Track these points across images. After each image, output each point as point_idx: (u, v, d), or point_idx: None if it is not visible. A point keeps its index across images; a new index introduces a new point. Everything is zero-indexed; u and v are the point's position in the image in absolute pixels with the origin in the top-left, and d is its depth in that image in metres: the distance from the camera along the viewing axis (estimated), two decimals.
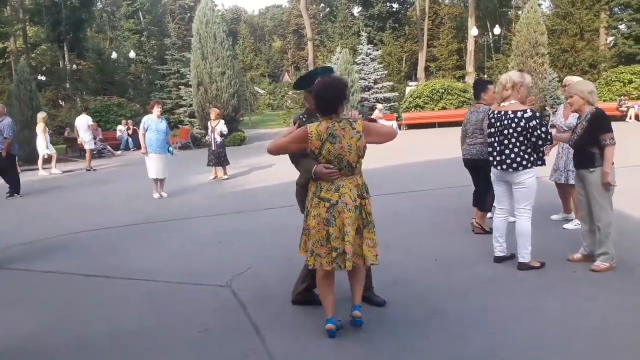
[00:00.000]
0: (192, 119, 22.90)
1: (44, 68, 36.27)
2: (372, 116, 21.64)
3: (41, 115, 15.11)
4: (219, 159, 11.30)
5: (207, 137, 11.89)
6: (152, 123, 9.39)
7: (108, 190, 10.94)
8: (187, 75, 23.70)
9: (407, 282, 4.48)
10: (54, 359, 3.49)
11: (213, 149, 11.26)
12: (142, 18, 43.20)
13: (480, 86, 5.94)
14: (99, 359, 3.43)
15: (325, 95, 3.34)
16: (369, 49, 26.81)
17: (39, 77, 32.26)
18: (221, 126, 11.34)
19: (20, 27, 33.33)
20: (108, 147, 19.59)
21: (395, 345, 3.36)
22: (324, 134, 3.32)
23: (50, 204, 9.86)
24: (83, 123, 15.95)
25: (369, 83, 24.98)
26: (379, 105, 22.52)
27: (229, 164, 11.63)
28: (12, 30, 31.06)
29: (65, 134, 21.67)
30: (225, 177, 11.45)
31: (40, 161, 15.01)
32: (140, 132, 9.55)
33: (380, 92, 25.06)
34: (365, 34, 30.30)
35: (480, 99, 5.82)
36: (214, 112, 11.67)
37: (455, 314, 3.78)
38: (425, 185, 9.18)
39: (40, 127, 14.61)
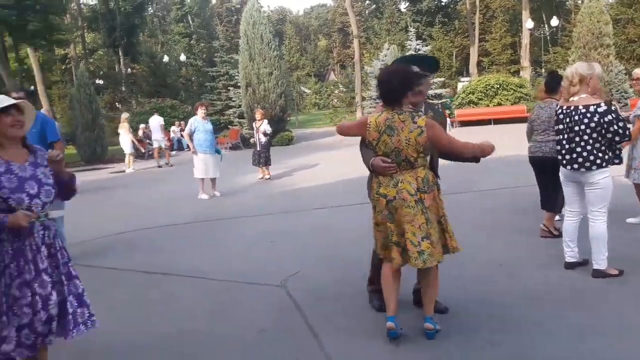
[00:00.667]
0: (241, 120, 23.21)
1: (101, 72, 37.77)
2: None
3: (124, 116, 16.52)
4: (263, 159, 11.49)
5: (252, 138, 12.01)
6: (199, 124, 9.55)
7: (163, 190, 11.21)
8: (236, 77, 24.05)
9: (471, 287, 4.28)
10: (114, 355, 3.54)
11: (258, 149, 11.50)
12: (191, 22, 44.20)
13: (555, 80, 5.46)
14: (154, 355, 3.46)
15: (387, 83, 3.21)
16: (417, 44, 26.40)
17: (97, 81, 33.56)
18: (265, 126, 11.51)
19: (79, 34, 34.81)
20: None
21: (459, 353, 3.22)
22: (382, 125, 3.20)
23: (109, 202, 10.17)
24: (156, 123, 16.85)
25: None
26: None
27: (270, 164, 11.74)
28: (72, 37, 32.42)
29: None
30: (268, 176, 11.58)
31: (127, 160, 16.00)
32: (186, 133, 9.83)
33: (431, 89, 24.58)
34: (414, 29, 29.87)
35: (555, 94, 5.43)
36: (258, 112, 11.95)
37: (525, 322, 3.54)
38: (477, 185, 8.83)
39: (124, 127, 15.74)
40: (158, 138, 16.92)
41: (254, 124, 11.99)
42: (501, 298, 4.00)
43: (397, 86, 3.16)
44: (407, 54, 25.74)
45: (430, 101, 3.50)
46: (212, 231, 7.06)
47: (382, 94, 3.28)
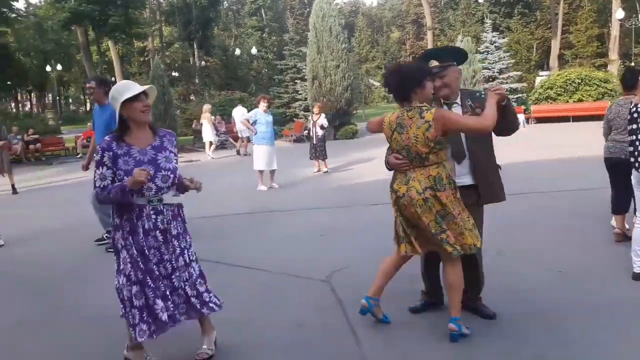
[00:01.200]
0: (307, 113, 23.30)
1: (176, 65, 39.23)
2: None
3: (207, 107, 17.70)
4: (319, 153, 11.50)
5: (307, 131, 12.05)
6: (261, 117, 9.61)
7: (223, 180, 11.42)
8: (303, 70, 24.18)
9: (523, 293, 4.01)
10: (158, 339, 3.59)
11: (314, 142, 11.50)
12: (264, 15, 44.94)
13: (634, 76, 4.98)
14: (196, 338, 3.47)
15: (388, 81, 3.24)
16: (493, 36, 25.39)
17: (173, 74, 34.91)
18: (322, 120, 11.53)
19: (157, 27, 36.32)
20: (230, 139, 20.54)
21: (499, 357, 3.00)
22: (394, 123, 3.21)
23: None
24: (239, 114, 17.32)
25: (493, 73, 23.65)
26: None
27: (326, 157, 11.69)
28: (150, 31, 33.91)
29: (193, 126, 23.19)
30: (326, 170, 11.56)
31: (207, 147, 17.17)
32: (244, 119, 10.20)
33: (506, 83, 23.59)
34: (490, 21, 28.76)
35: (634, 90, 4.95)
36: (316, 106, 11.94)
37: (579, 335, 3.28)
38: (551, 186, 8.33)
39: (207, 117, 16.91)
40: (241, 128, 17.18)
41: (310, 117, 12.04)
42: (556, 307, 3.72)
43: (401, 83, 3.16)
44: (481, 46, 24.88)
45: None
46: (267, 222, 7.09)
47: (390, 92, 3.28)
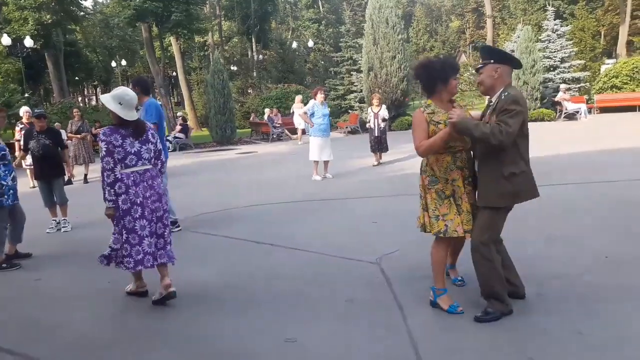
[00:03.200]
0: (362, 104, 23.44)
1: (235, 59, 40.17)
2: (556, 98, 20.07)
3: (298, 98, 19.66)
4: (381, 145, 11.38)
5: (368, 123, 11.71)
6: (318, 109, 9.87)
7: (279, 170, 11.83)
8: (359, 62, 24.27)
9: (568, 277, 4.13)
10: (224, 306, 3.98)
11: (376, 134, 11.31)
12: (321, 7, 45.20)
13: None
14: (259, 311, 3.81)
15: (418, 75, 3.62)
16: (555, 24, 24.50)
17: (231, 68, 35.82)
18: (383, 111, 11.33)
19: (217, 22, 37.31)
20: (286, 131, 21.02)
21: (541, 338, 3.17)
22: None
23: (234, 179, 10.98)
24: (299, 107, 17.91)
25: (554, 62, 22.88)
26: (563, 86, 20.55)
27: (387, 150, 11.62)
28: (210, 26, 34.90)
29: (251, 118, 23.87)
30: (381, 161, 11.49)
31: (299, 134, 18.58)
32: (302, 111, 10.50)
33: (568, 72, 22.78)
34: (553, 8, 27.72)
35: None
36: (376, 97, 11.60)
37: (617, 316, 3.41)
38: (609, 175, 8.21)
39: (298, 106, 18.28)
40: (300, 120, 17.81)
41: (370, 109, 11.80)
42: (596, 290, 3.84)
43: (428, 79, 3.52)
44: (543, 34, 24.08)
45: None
46: (321, 210, 7.40)
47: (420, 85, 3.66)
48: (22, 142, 7.37)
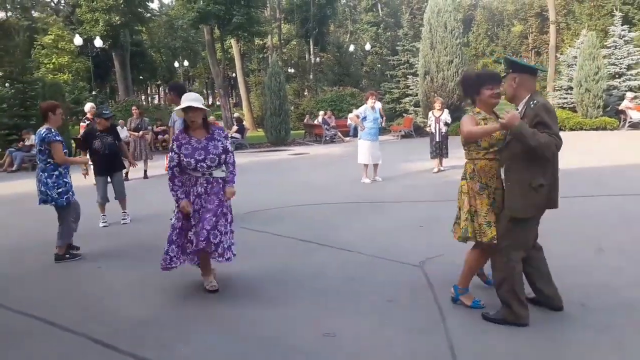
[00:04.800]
0: (417, 108, 23.28)
1: (293, 61, 40.74)
2: (621, 106, 19.24)
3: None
4: (442, 150, 11.05)
5: (428, 127, 11.40)
6: (369, 113, 9.96)
7: (330, 172, 11.99)
8: (416, 65, 24.14)
9: (615, 287, 4.07)
10: (267, 298, 4.18)
11: (437, 139, 11.00)
12: (380, 10, 45.13)
13: None
14: (301, 305, 3.97)
15: (460, 87, 4.02)
16: (622, 30, 23.48)
17: (288, 70, 36.36)
18: (445, 116, 11.00)
19: (276, 25, 37.98)
20: (339, 133, 21.18)
21: (578, 345, 3.16)
22: None
23: (287, 179, 11.24)
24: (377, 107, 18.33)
25: (620, 69, 21.93)
26: (629, 94, 19.67)
27: (447, 156, 11.26)
28: (270, 29, 35.58)
29: (305, 121, 24.19)
30: (442, 168, 11.16)
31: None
32: (353, 115, 10.52)
33: (635, 80, 21.77)
34: (621, 13, 26.53)
35: None
36: (438, 101, 11.18)
37: None
38: None
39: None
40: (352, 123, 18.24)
41: (431, 113, 11.34)
42: None
43: (465, 89, 3.84)
44: (609, 40, 23.13)
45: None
46: (368, 212, 7.50)
47: None
48: (83, 141, 7.50)
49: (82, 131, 10.82)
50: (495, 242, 3.53)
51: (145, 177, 12.29)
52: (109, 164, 7.19)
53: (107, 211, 7.32)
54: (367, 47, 36.91)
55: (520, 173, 3.39)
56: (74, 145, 17.42)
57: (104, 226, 7.21)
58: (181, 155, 4.16)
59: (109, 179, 7.32)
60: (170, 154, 4.26)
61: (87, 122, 10.49)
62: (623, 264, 4.60)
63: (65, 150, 5.57)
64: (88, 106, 10.82)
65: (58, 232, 5.51)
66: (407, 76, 26.16)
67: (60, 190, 5.45)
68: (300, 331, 3.57)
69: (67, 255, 5.58)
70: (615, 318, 3.52)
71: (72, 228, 5.71)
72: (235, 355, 3.30)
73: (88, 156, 7.06)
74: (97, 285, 4.79)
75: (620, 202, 7.16)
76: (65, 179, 5.54)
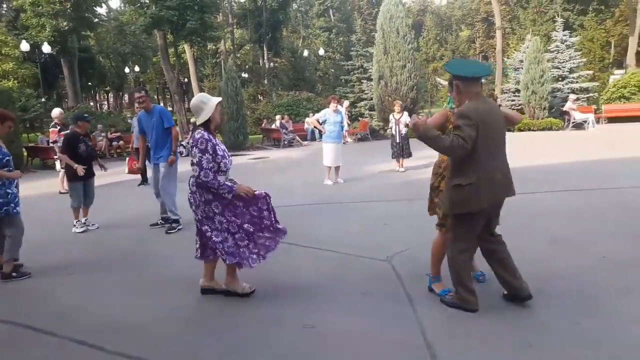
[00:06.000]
0: (372, 112, 23.75)
1: (247, 66, 40.71)
2: (565, 108, 20.31)
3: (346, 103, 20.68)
4: (403, 151, 11.49)
5: (389, 129, 11.91)
6: (330, 116, 10.22)
7: (291, 175, 12.17)
8: (370, 70, 24.64)
9: (567, 276, 4.43)
10: (242, 301, 4.29)
11: (397, 141, 11.47)
12: (332, 16, 45.71)
13: None
14: (280, 302, 4.13)
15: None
16: (564, 35, 24.77)
17: (243, 75, 36.31)
18: (405, 117, 11.40)
19: (229, 30, 37.89)
20: (297, 137, 21.38)
21: (542, 329, 3.46)
22: None
23: (251, 183, 11.29)
24: (343, 110, 18.91)
25: (563, 72, 23.11)
26: (571, 96, 20.77)
27: (411, 156, 11.69)
28: (223, 34, 35.45)
29: (263, 125, 24.26)
30: (402, 169, 11.58)
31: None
32: (314, 119, 10.67)
33: (577, 82, 23.00)
34: (562, 19, 27.97)
35: None
36: (397, 104, 11.67)
37: (612, 308, 3.75)
38: (612, 183, 8.49)
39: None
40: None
41: (391, 116, 11.80)
42: (592, 287, 4.16)
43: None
44: (552, 45, 24.34)
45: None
46: (334, 212, 7.72)
47: None
48: (63, 147, 7.35)
49: (52, 137, 10.63)
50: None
51: None
52: (88, 169, 7.16)
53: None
54: (321, 52, 37.33)
55: (448, 173, 3.76)
56: (26, 154, 16.97)
57: (83, 231, 7.14)
58: (218, 157, 4.06)
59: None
60: (206, 156, 3.98)
61: (58, 127, 10.25)
62: (571, 255, 4.99)
63: (7, 158, 5.18)
64: (57, 111, 10.54)
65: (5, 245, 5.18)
66: (362, 80, 26.65)
67: (0, 200, 5.09)
68: (281, 326, 3.73)
69: (14, 274, 5.19)
70: (572, 303, 3.86)
71: (19, 242, 5.29)
72: (224, 349, 3.43)
73: (71, 161, 7.00)
74: (75, 293, 4.76)
75: (566, 197, 7.65)
76: (8, 190, 5.14)
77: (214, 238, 4.09)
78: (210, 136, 4.12)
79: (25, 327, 3.93)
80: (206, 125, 4.14)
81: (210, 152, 4.02)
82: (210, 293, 4.39)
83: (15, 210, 5.21)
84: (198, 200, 4.10)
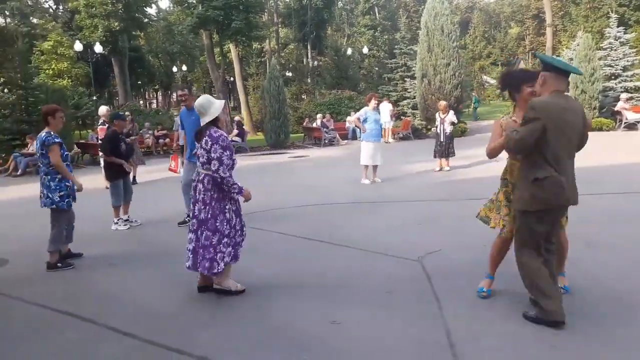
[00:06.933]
0: (415, 111, 23.51)
1: (290, 65, 41.02)
2: (616, 107, 19.50)
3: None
4: (447, 150, 11.46)
5: (434, 128, 11.95)
6: (370, 115, 10.18)
7: (331, 173, 12.22)
8: (413, 68, 24.39)
9: (604, 281, 4.32)
10: (275, 293, 4.38)
11: (442, 140, 11.45)
12: (377, 14, 45.47)
13: None
14: (306, 299, 4.18)
15: (500, 84, 4.16)
16: (618, 31, 23.78)
17: (287, 74, 36.62)
18: (451, 116, 11.43)
19: (274, 29, 38.28)
20: (337, 136, 21.40)
21: (578, 337, 3.39)
22: None
23: (288, 181, 11.45)
24: (385, 109, 19.46)
25: (616, 70, 22.20)
26: (624, 95, 19.93)
27: (454, 155, 11.69)
28: (268, 33, 35.86)
29: (304, 123, 24.42)
30: (448, 168, 11.56)
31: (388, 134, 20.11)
32: (354, 117, 10.77)
33: (630, 81, 22.05)
34: (616, 15, 26.84)
35: None
36: (443, 104, 11.66)
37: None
38: None
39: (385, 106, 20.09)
40: (386, 120, 19.35)
41: (437, 115, 11.84)
42: (629, 291, 4.04)
43: (504, 82, 4.04)
44: (605, 42, 23.42)
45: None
46: (368, 211, 7.73)
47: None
48: (104, 146, 7.51)
49: (100, 134, 10.76)
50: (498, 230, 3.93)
51: (134, 182, 12.44)
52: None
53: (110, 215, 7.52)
54: (365, 50, 37.18)
55: (523, 171, 3.58)
56: (77, 150, 17.71)
57: (127, 228, 7.33)
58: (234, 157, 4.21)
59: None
60: (227, 153, 4.10)
61: (106, 124, 10.30)
62: (609, 259, 4.83)
63: (66, 153, 5.55)
64: (103, 109, 10.75)
65: (50, 236, 5.48)
66: (405, 79, 26.43)
67: (62, 193, 5.46)
68: (308, 322, 3.79)
69: (59, 264, 5.46)
70: (599, 307, 3.75)
71: (63, 234, 5.62)
72: (252, 339, 3.52)
73: (115, 159, 7.27)
74: (113, 284, 4.97)
75: (610, 200, 7.38)
76: (67, 183, 5.52)
77: (214, 241, 4.18)
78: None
79: (66, 314, 4.14)
80: (215, 124, 4.24)
81: (230, 149, 4.13)
82: (205, 291, 4.46)
83: (71, 204, 5.62)
84: (210, 198, 4.17)
